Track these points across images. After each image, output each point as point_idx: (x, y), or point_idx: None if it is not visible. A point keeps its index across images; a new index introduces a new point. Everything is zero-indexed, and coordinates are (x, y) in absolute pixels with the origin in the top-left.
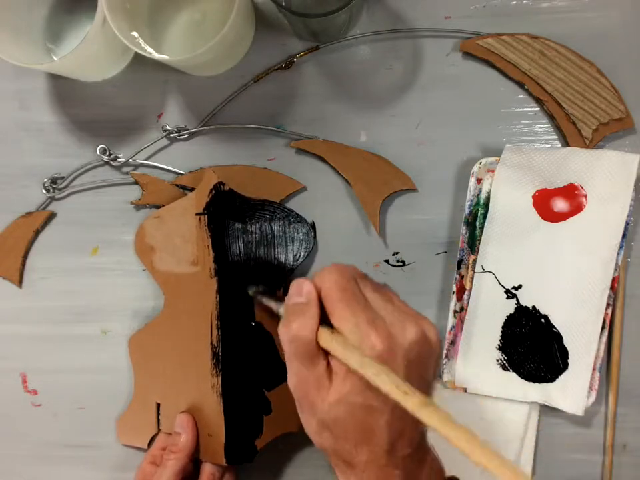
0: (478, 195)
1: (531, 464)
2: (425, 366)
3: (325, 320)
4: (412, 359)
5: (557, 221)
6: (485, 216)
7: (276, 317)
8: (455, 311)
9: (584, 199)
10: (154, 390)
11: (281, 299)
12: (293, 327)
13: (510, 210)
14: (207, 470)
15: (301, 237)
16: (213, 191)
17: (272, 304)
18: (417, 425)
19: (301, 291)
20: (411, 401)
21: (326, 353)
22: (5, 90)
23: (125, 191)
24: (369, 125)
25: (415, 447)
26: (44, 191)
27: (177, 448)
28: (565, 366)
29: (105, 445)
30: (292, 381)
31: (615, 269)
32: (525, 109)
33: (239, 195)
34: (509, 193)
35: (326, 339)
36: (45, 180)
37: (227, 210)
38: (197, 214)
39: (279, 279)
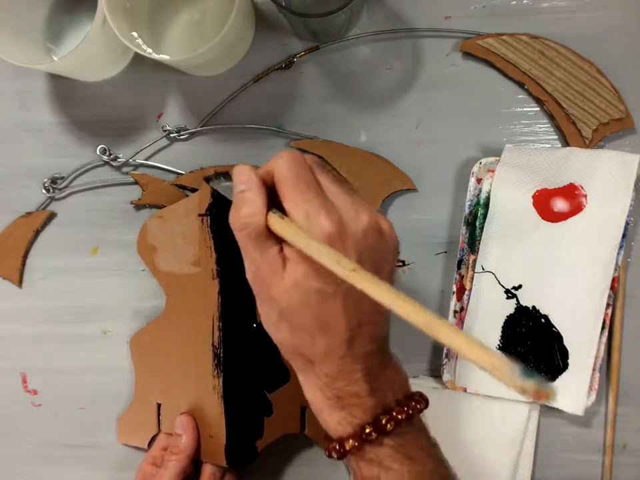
0: (478, 195)
1: (531, 464)
2: (379, 258)
3: (278, 206)
4: (364, 249)
5: (557, 221)
6: (484, 216)
7: None
8: (455, 311)
9: (584, 199)
10: (155, 390)
11: None
12: (241, 214)
13: (510, 210)
14: (208, 470)
15: None
16: (216, 193)
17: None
18: (376, 317)
19: (241, 178)
20: (347, 274)
21: (279, 240)
22: (5, 90)
23: (124, 190)
24: (368, 125)
25: (377, 346)
26: (44, 191)
27: (177, 449)
28: (565, 366)
29: (105, 445)
30: (248, 271)
31: (615, 269)
32: (525, 109)
33: None
34: (509, 192)
35: (275, 222)
36: (45, 180)
37: (229, 211)
38: (199, 215)
39: None
